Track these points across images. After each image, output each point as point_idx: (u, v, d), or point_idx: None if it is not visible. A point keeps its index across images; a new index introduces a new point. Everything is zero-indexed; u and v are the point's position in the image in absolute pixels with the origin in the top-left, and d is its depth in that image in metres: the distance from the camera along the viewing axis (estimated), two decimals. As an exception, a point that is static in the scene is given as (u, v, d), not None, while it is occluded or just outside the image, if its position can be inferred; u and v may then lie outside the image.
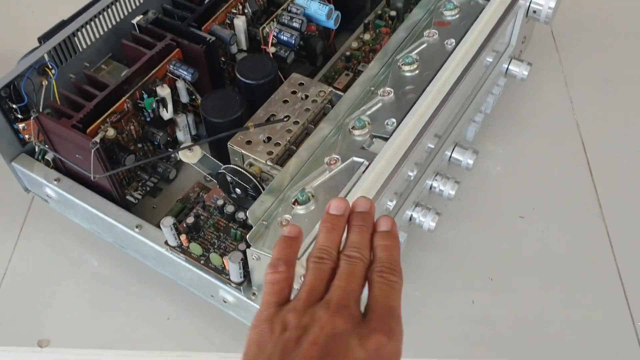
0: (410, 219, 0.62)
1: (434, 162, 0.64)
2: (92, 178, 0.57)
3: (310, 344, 0.34)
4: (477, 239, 0.67)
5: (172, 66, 0.63)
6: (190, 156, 0.59)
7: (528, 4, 0.70)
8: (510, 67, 0.75)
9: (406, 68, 0.62)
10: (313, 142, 0.56)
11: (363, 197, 0.42)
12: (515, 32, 0.73)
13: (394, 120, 0.57)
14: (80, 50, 0.67)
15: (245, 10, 0.70)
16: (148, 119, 0.63)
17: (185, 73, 0.63)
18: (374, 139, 0.56)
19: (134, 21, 0.67)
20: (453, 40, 0.64)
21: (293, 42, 0.67)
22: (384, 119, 0.58)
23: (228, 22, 0.69)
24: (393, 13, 0.76)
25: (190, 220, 0.56)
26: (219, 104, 0.61)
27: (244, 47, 0.70)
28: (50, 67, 0.64)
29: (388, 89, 0.60)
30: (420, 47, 0.64)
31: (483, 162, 0.74)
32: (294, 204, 0.51)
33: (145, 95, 0.61)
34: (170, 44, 0.64)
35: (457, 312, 0.62)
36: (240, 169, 0.55)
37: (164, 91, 0.62)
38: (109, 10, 0.68)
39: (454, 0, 0.69)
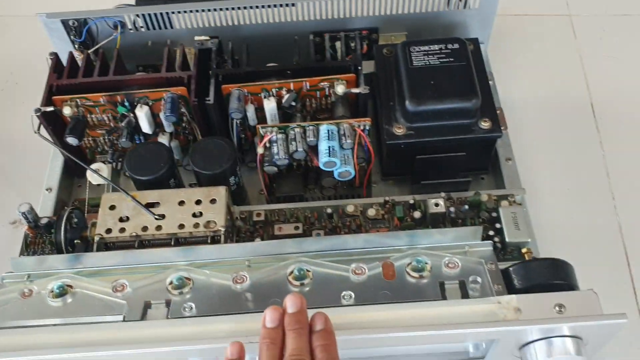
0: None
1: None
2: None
3: None
4: None
5: (166, 97, 0.63)
6: (95, 177, 0.61)
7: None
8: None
9: (293, 281, 0.52)
10: (136, 258, 0.53)
11: (293, 294, 0.45)
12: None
13: (192, 306, 0.50)
14: (167, 28, 0.71)
15: (283, 100, 0.64)
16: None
17: (166, 112, 0.62)
18: (152, 307, 0.50)
19: (196, 37, 0.67)
20: (351, 294, 0.50)
21: (274, 158, 0.60)
22: (201, 299, 0.51)
23: (263, 96, 0.64)
24: (417, 214, 0.61)
25: (44, 221, 0.60)
26: (146, 158, 0.60)
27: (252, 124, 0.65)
28: (118, 25, 0.70)
29: (245, 275, 0.52)
30: (326, 272, 0.52)
31: None
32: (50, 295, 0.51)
33: (126, 103, 0.64)
34: (182, 78, 0.63)
35: None
36: (69, 215, 0.56)
37: (140, 111, 0.63)
38: (206, 13, 0.69)
39: (431, 260, 0.52)
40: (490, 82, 0.73)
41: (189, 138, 0.68)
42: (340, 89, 0.63)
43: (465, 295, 0.50)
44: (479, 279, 0.51)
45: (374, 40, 0.75)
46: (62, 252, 0.56)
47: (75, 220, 0.58)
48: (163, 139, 0.67)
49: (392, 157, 0.65)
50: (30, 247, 0.61)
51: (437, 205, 0.59)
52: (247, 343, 0.44)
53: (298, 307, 0.44)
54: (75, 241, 0.57)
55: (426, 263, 0.52)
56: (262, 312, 0.45)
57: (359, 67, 0.64)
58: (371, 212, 0.62)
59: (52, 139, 0.64)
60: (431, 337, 0.46)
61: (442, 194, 0.61)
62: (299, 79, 0.63)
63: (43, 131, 0.63)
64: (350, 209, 0.62)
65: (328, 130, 0.60)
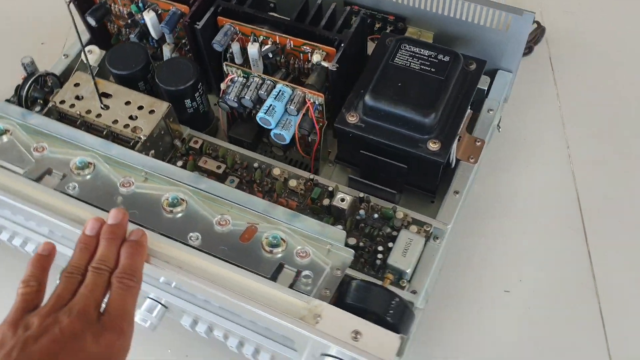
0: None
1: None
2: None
3: (49, 341, 0.39)
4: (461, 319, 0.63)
5: (171, 10, 0.68)
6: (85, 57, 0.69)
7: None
8: None
9: (166, 206, 0.55)
10: (68, 134, 0.60)
11: (117, 209, 0.49)
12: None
13: (76, 186, 0.56)
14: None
15: (263, 48, 0.65)
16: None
17: (163, 22, 0.67)
18: (51, 175, 0.57)
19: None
20: (199, 236, 0.53)
21: (226, 97, 0.63)
22: (87, 185, 0.57)
23: (253, 39, 0.66)
24: (326, 202, 0.60)
25: (38, 76, 0.69)
26: (127, 55, 0.66)
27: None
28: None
29: (132, 181, 0.57)
30: (199, 211, 0.55)
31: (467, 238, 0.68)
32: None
33: (140, 4, 0.70)
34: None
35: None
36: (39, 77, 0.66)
37: (146, 15, 0.69)
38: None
39: (289, 242, 0.52)
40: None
41: (189, 55, 0.73)
42: (315, 57, 0.63)
43: (292, 284, 0.51)
44: (311, 276, 0.51)
45: (399, 29, 0.73)
46: (22, 105, 0.65)
47: (50, 83, 0.66)
48: (166, 49, 0.72)
49: (341, 142, 0.65)
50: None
51: (342, 200, 0.59)
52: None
53: (117, 220, 0.48)
54: (39, 100, 0.65)
55: (283, 240, 0.53)
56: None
57: (342, 44, 0.63)
58: (292, 182, 0.63)
59: (76, 13, 0.72)
60: (224, 301, 0.48)
61: (360, 194, 0.60)
62: (286, 35, 0.65)
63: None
64: (276, 172, 0.63)
65: (280, 90, 0.62)
